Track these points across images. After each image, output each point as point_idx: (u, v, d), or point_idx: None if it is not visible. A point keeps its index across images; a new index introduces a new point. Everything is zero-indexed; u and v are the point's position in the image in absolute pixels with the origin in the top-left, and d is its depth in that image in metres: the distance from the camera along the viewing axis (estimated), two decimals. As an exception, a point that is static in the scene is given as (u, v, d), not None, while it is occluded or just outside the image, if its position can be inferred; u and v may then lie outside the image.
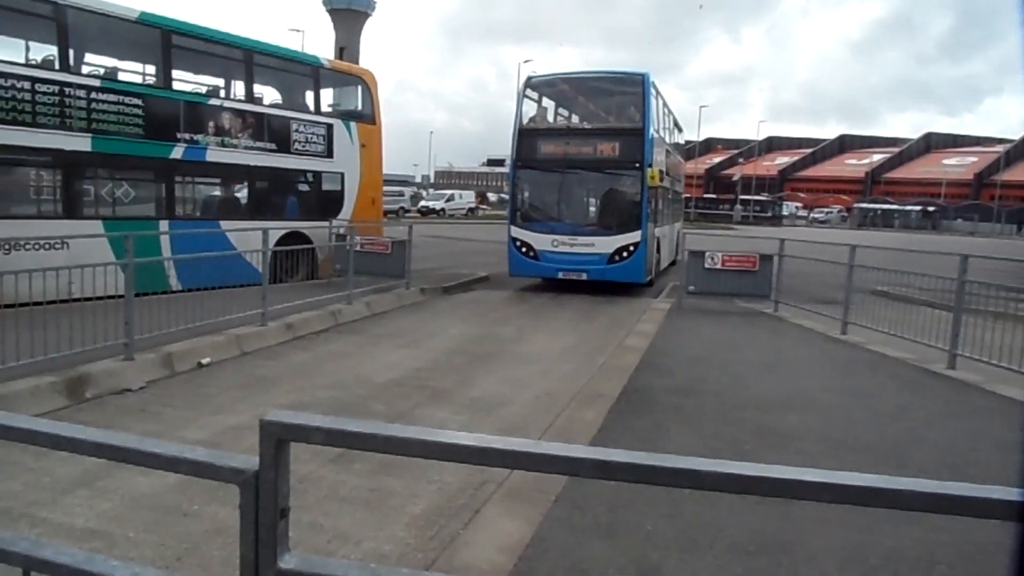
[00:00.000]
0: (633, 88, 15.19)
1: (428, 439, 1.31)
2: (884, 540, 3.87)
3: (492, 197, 77.38)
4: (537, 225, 15.03)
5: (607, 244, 14.44)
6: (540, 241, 14.77)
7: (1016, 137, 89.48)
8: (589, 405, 6.59)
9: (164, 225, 11.37)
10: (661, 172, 15.61)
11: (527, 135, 15.23)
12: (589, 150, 15.07)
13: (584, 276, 14.66)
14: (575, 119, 17.99)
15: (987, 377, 7.78)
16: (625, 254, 14.41)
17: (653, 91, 15.26)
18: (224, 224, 12.05)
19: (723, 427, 6.01)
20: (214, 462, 1.40)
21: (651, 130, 14.77)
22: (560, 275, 14.77)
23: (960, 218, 72.14)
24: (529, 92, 15.88)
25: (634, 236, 14.38)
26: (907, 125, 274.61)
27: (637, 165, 14.39)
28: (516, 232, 15.07)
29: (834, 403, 6.86)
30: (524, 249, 14.93)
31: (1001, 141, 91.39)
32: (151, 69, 12.28)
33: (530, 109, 15.95)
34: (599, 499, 4.28)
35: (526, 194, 15.54)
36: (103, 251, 8.67)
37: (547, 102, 16.91)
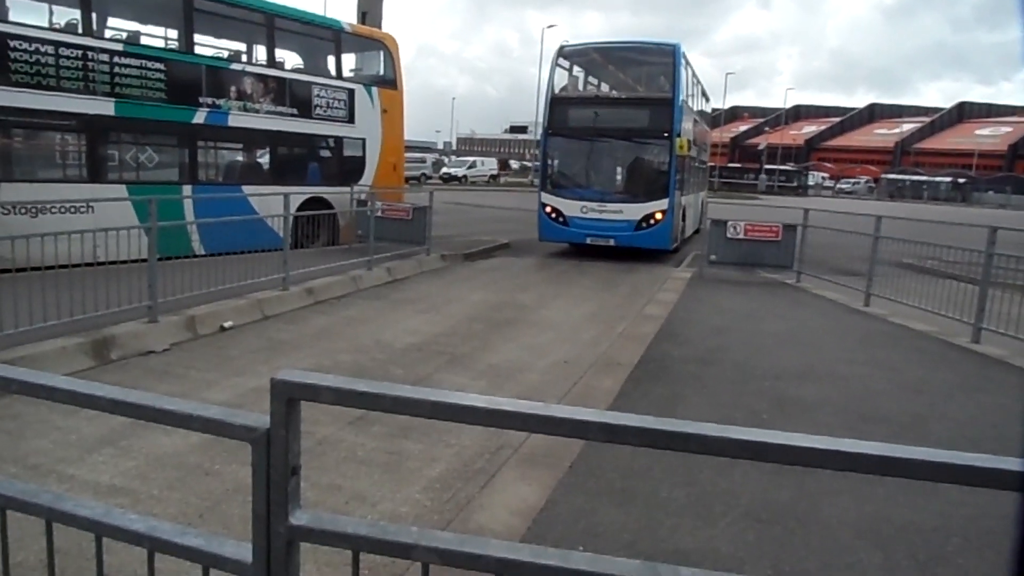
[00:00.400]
0: (664, 59, 15.31)
1: (437, 400, 1.31)
2: (899, 512, 3.87)
3: (514, 164, 76.97)
4: (567, 192, 15.31)
5: (635, 211, 14.68)
6: (570, 207, 15.07)
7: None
8: (607, 373, 6.60)
9: (187, 190, 11.46)
10: (689, 142, 15.62)
11: (559, 103, 15.45)
12: (619, 119, 15.25)
13: (612, 242, 14.91)
14: (606, 88, 18.06)
15: (1012, 351, 7.68)
16: (652, 221, 14.65)
17: (683, 61, 15.32)
18: (246, 189, 12.11)
19: (741, 397, 5.99)
20: (226, 419, 1.42)
21: (681, 100, 14.90)
22: (588, 240, 15.01)
23: (991, 190, 70.54)
24: (561, 61, 15.97)
25: (661, 204, 14.61)
26: (940, 94, 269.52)
27: (666, 135, 14.58)
28: (546, 198, 15.41)
29: (854, 375, 6.81)
30: (554, 215, 15.23)
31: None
32: (173, 33, 12.28)
33: (562, 78, 16.06)
34: (614, 466, 4.30)
35: (557, 161, 15.84)
36: (127, 215, 8.76)
37: (578, 71, 16.98)
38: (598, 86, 18.13)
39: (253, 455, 1.39)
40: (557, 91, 15.62)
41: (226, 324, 7.95)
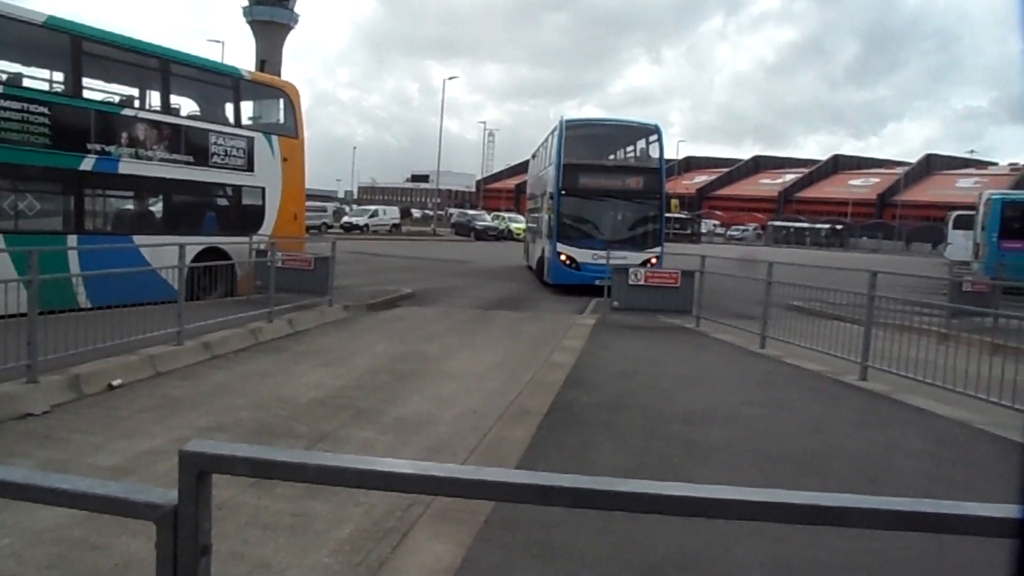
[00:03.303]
0: (650, 135, 19.35)
1: (363, 468, 1.24)
2: (807, 550, 3.96)
3: (416, 213, 76.87)
4: (579, 242, 17.92)
5: (637, 257, 16.97)
6: (582, 255, 17.66)
7: (913, 160, 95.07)
8: (517, 422, 6.55)
9: (72, 240, 10.81)
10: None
11: (569, 168, 18.10)
12: (619, 182, 18.66)
13: None
14: (600, 156, 21.02)
15: (895, 387, 8.14)
16: (650, 264, 17.01)
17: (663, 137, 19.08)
18: (138, 239, 11.55)
19: (651, 441, 6.07)
20: (127, 497, 1.29)
21: (665, 167, 18.69)
22: (597, 282, 16.83)
23: (865, 236, 75.79)
24: (567, 131, 18.62)
25: (656, 250, 17.94)
26: (818, 146, 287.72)
27: (658, 195, 18.35)
28: (561, 248, 18.02)
29: (756, 416, 7.03)
30: (568, 262, 17.90)
31: (900, 163, 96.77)
32: (59, 76, 11.72)
33: (569, 146, 18.46)
34: (530, 518, 4.23)
35: (569, 217, 18.29)
36: (5, 267, 8.15)
37: (579, 140, 19.47)
38: (595, 154, 20.73)
39: (158, 535, 1.27)
40: (566, 158, 18.09)
41: (115, 382, 7.46)
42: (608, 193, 18.41)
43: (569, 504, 1.21)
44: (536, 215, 24.04)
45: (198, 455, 1.25)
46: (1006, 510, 1.21)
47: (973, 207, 26.74)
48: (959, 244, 28.56)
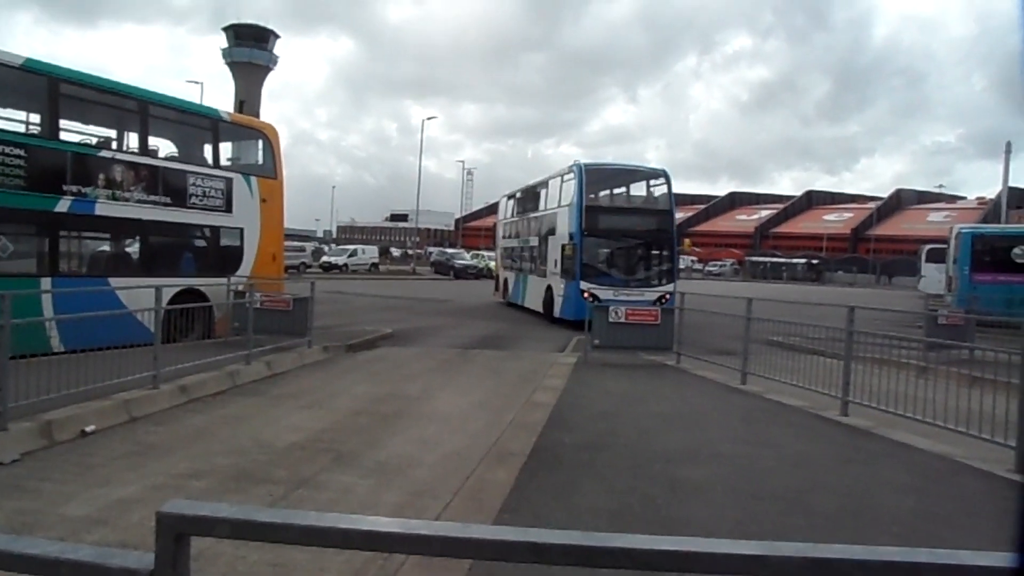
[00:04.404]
0: (658, 179, 20.75)
1: (348, 527, 1.20)
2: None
3: (395, 252, 76.86)
4: (600, 279, 18.91)
5: (653, 293, 18.46)
6: (604, 292, 18.39)
7: (885, 195, 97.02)
8: (500, 464, 6.48)
9: (46, 282, 10.65)
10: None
11: (590, 211, 19.20)
12: (635, 223, 20.06)
13: None
14: (615, 198, 22.78)
15: (876, 422, 8.17)
16: (664, 300, 18.29)
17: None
18: (114, 281, 11.40)
19: (634, 482, 6.01)
20: (102, 562, 1.24)
21: (675, 209, 20.26)
22: None
23: (840, 270, 76.81)
24: (585, 176, 19.65)
25: (670, 287, 19.15)
26: (792, 182, 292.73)
27: (671, 236, 19.86)
28: (584, 285, 18.72)
29: (738, 453, 7.01)
30: (590, 298, 17.92)
31: (873, 198, 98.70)
32: (36, 118, 11.66)
33: (588, 189, 19.62)
34: (514, 564, 4.14)
35: (591, 256, 19.30)
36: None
37: (594, 183, 20.71)
38: (608, 197, 22.55)
39: (133, 602, 1.21)
40: (587, 200, 19.24)
41: (88, 428, 7.29)
42: (626, 233, 19.68)
43: (560, 562, 1.18)
44: (524, 253, 24.64)
45: (176, 516, 1.20)
46: (1002, 559, 1.20)
47: (944, 240, 27.19)
48: (932, 277, 28.91)
